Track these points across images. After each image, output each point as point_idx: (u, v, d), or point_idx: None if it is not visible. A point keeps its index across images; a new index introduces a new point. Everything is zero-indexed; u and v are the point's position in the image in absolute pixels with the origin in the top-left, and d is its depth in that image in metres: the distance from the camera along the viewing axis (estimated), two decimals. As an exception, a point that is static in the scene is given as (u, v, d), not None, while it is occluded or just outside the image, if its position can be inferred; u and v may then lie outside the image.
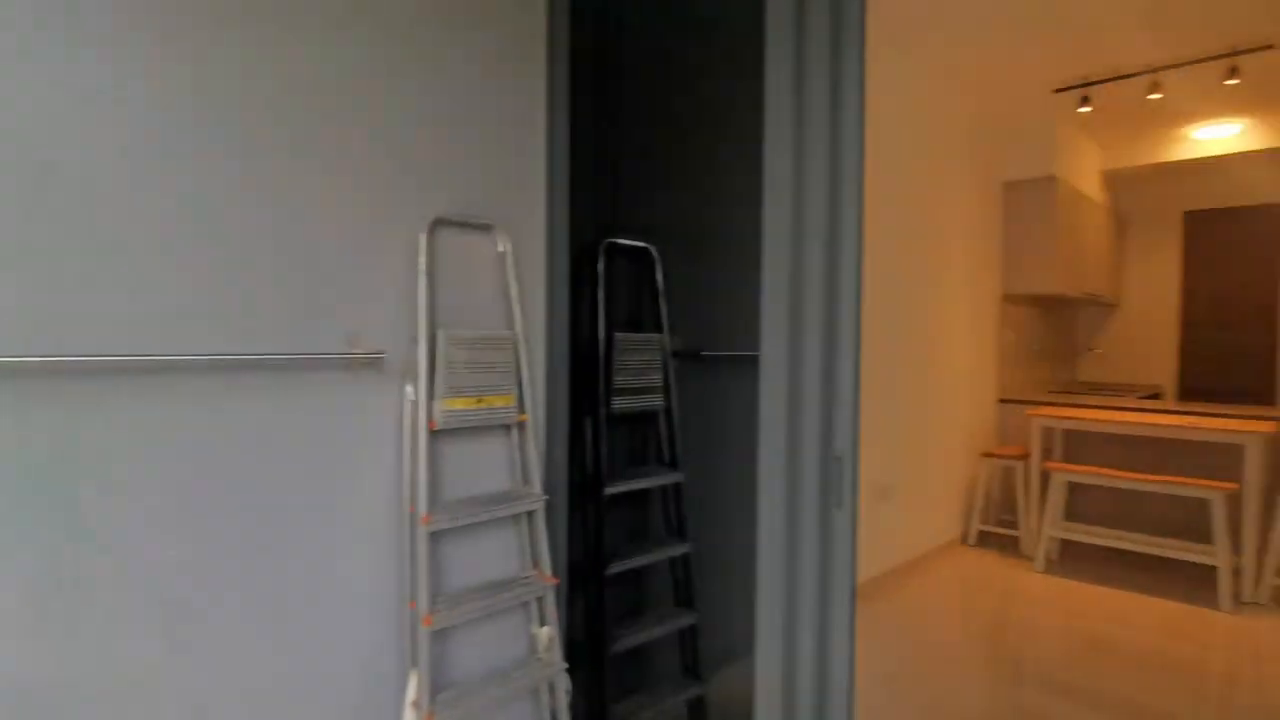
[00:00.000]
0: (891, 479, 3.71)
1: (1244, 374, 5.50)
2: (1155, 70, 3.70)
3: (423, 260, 1.65)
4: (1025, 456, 4.20)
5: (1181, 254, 5.76)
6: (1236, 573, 3.54)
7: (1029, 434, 4.16)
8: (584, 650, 2.06)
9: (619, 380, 2.07)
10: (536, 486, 1.84)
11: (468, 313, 1.78)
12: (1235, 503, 3.77)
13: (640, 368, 2.13)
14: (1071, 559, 4.07)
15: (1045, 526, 3.86)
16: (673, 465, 2.24)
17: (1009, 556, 4.14)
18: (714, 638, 2.51)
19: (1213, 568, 3.45)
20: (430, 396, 1.66)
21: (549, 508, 1.92)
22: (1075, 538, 3.82)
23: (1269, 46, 3.39)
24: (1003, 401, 4.73)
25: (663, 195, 2.30)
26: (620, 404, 2.08)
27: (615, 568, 2.03)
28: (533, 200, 1.91)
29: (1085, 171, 5.07)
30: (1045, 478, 4.06)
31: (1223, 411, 3.91)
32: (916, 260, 3.86)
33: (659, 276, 2.22)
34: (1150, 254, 5.89)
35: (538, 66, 1.91)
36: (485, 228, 1.81)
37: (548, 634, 1.83)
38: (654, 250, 2.22)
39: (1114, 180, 5.67)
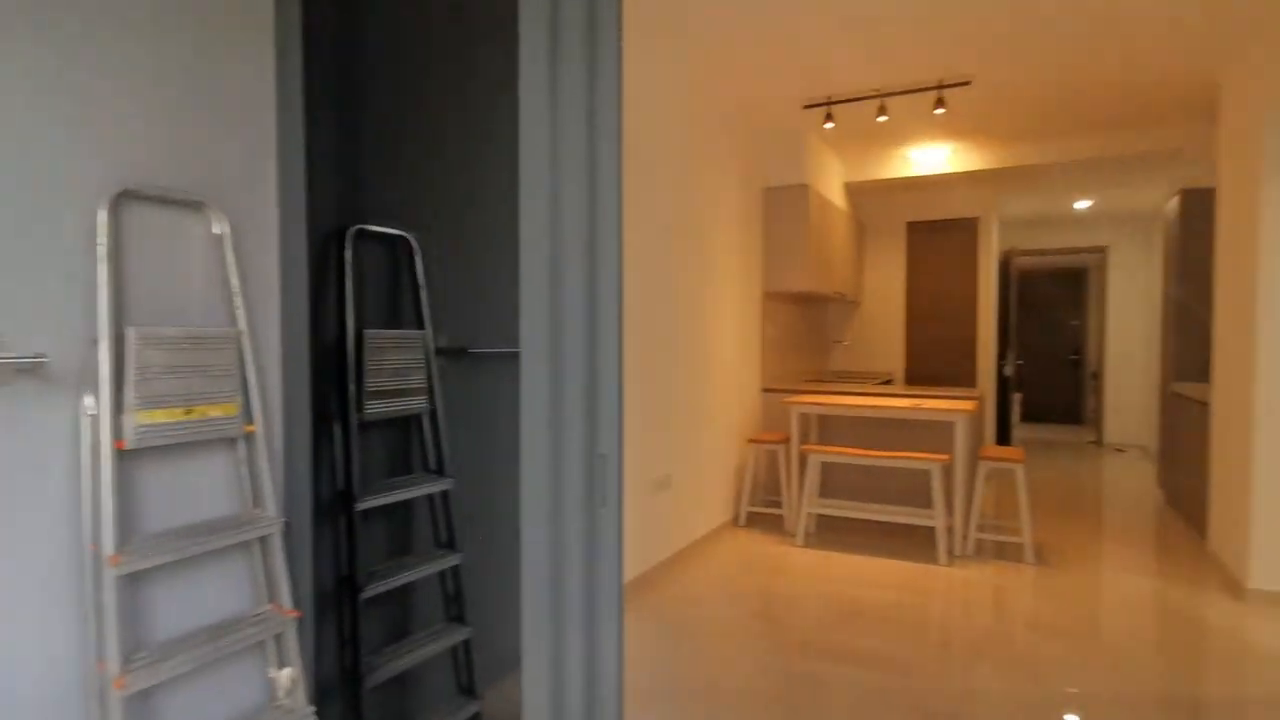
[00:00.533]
0: (669, 469, 3.84)
1: (953, 361, 6.49)
2: (882, 95, 4.20)
3: (103, 241, 1.34)
4: (786, 441, 4.57)
5: (905, 258, 6.65)
6: (950, 531, 4.13)
7: (789, 420, 4.53)
8: (338, 686, 1.84)
9: (373, 382, 1.87)
10: (270, 508, 1.60)
11: (173, 306, 1.49)
12: (950, 472, 4.40)
13: (399, 367, 1.95)
14: (829, 531, 4.51)
15: (804, 504, 4.22)
16: (439, 472, 2.09)
17: (774, 534, 4.48)
18: (492, 650, 2.39)
19: (933, 529, 4.00)
20: (117, 409, 1.36)
21: (289, 530, 1.68)
22: (828, 512, 4.23)
23: (967, 83, 3.99)
24: (766, 390, 5.12)
25: (423, 182, 2.13)
26: (375, 408, 1.88)
27: (373, 590, 1.83)
28: (259, 177, 1.66)
29: (831, 182, 5.66)
30: (803, 460, 4.45)
31: (937, 394, 4.56)
32: (689, 259, 4.03)
33: (419, 268, 2.05)
34: (883, 258, 6.74)
35: (264, 35, 1.66)
36: (195, 205, 1.53)
37: (289, 676, 1.60)
38: (413, 239, 2.05)
39: (854, 191, 6.39)
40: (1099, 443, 8.24)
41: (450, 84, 2.19)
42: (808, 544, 4.25)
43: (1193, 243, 4.98)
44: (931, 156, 5.62)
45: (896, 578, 3.70)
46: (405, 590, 2.07)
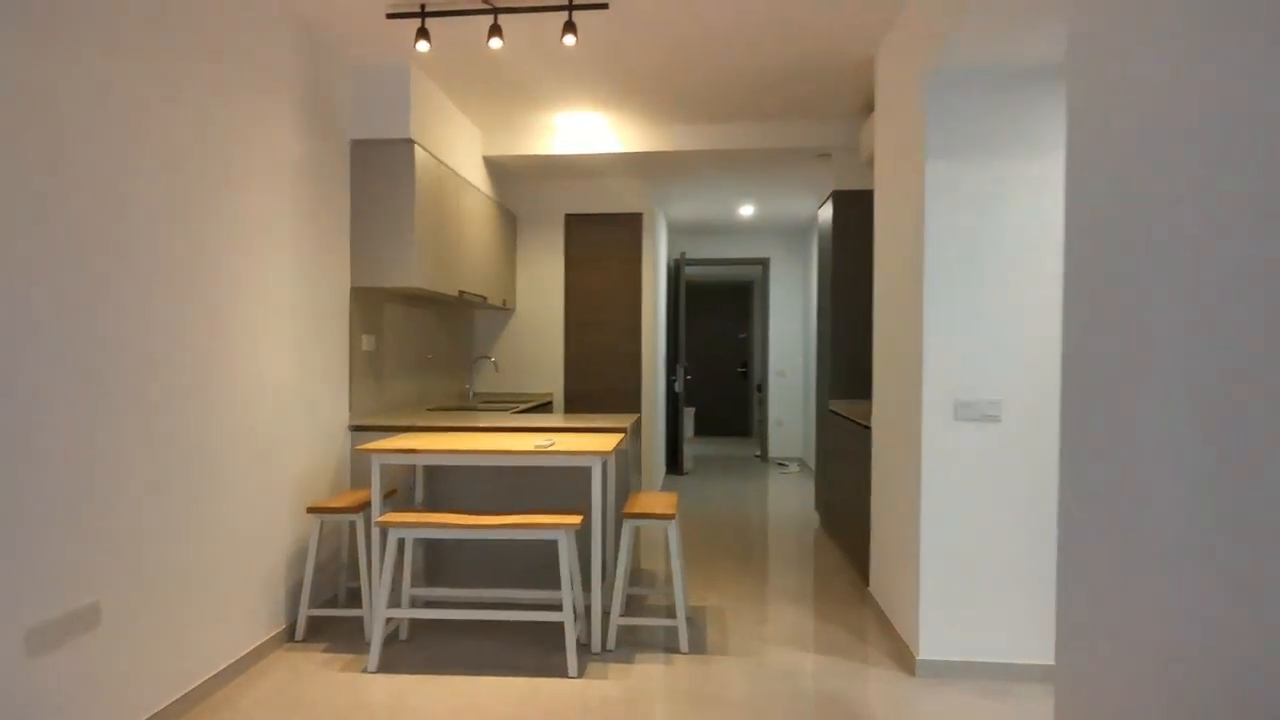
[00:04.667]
0: (119, 582, 2.13)
1: (618, 376, 5.60)
2: (495, 8, 2.98)
3: None
4: (364, 507, 3.10)
5: (564, 258, 5.63)
6: (588, 618, 3.03)
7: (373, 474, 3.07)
8: None
9: None
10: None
11: None
12: (587, 537, 3.32)
13: None
14: (430, 634, 3.12)
15: (378, 606, 2.78)
16: None
17: (348, 650, 2.97)
18: None
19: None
20: None
21: None
22: (411, 614, 2.85)
23: (604, 4, 2.93)
24: (358, 429, 3.60)
25: None
26: None
27: None
28: None
29: (462, 150, 4.35)
30: (383, 536, 3.02)
31: (578, 424, 3.47)
32: (197, 244, 2.38)
33: None
34: (539, 257, 5.64)
35: None
36: None
37: None
38: None
39: (500, 172, 5.18)
40: (764, 457, 8.15)
41: None
42: (386, 667, 2.82)
43: (845, 248, 4.61)
44: (583, 132, 4.62)
45: (506, 709, 2.44)
46: None
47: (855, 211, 4.57)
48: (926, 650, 2.70)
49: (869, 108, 4.22)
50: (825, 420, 4.88)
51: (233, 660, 2.72)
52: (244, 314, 2.78)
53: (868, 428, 3.60)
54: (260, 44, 2.87)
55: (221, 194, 2.65)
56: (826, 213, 4.91)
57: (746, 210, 6.81)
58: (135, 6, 2.24)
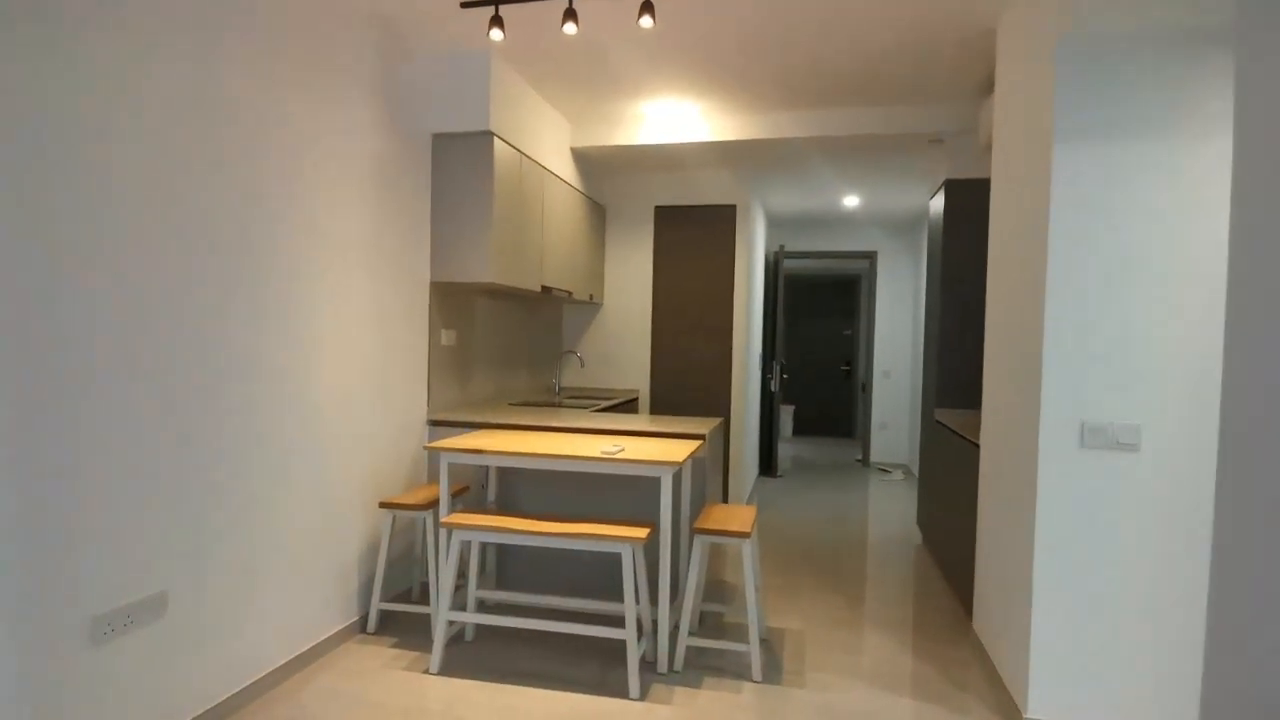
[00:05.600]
0: (187, 572, 2.18)
1: (707, 376, 5.39)
2: (569, -7, 2.83)
3: None
4: (433, 505, 3.07)
5: (653, 252, 5.46)
6: (654, 636, 2.86)
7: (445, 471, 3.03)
8: None
9: None
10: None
11: None
12: (656, 551, 3.16)
13: None
14: (490, 642, 3.05)
15: (441, 607, 2.73)
16: None
17: (414, 648, 2.95)
18: None
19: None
20: None
21: None
22: (472, 619, 2.78)
23: (682, -16, 2.73)
24: (435, 424, 3.59)
25: None
26: None
27: None
28: None
29: (548, 141, 4.26)
30: (449, 537, 2.97)
31: (654, 429, 3.29)
32: (282, 242, 2.40)
33: None
34: (628, 251, 5.49)
35: None
36: None
37: None
38: None
39: (587, 163, 5.07)
40: (865, 461, 7.70)
41: None
42: (447, 669, 2.77)
43: (958, 242, 4.18)
44: (673, 120, 4.42)
45: (555, 737, 2.32)
46: None
47: (970, 202, 4.13)
48: (1036, 708, 2.35)
49: (989, 86, 3.78)
50: (930, 429, 4.47)
51: (303, 650, 2.75)
52: (323, 309, 2.79)
53: (975, 444, 3.22)
54: (340, 40, 2.86)
55: (303, 190, 2.65)
56: (937, 203, 4.48)
57: (851, 201, 6.39)
58: (229, 6, 2.24)
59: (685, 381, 5.41)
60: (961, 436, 3.51)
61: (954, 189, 4.19)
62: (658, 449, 2.87)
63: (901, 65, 3.53)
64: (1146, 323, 2.24)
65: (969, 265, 4.13)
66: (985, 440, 3.01)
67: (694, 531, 2.80)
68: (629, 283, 5.49)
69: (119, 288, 1.99)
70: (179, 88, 2.15)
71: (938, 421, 4.13)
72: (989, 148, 3.83)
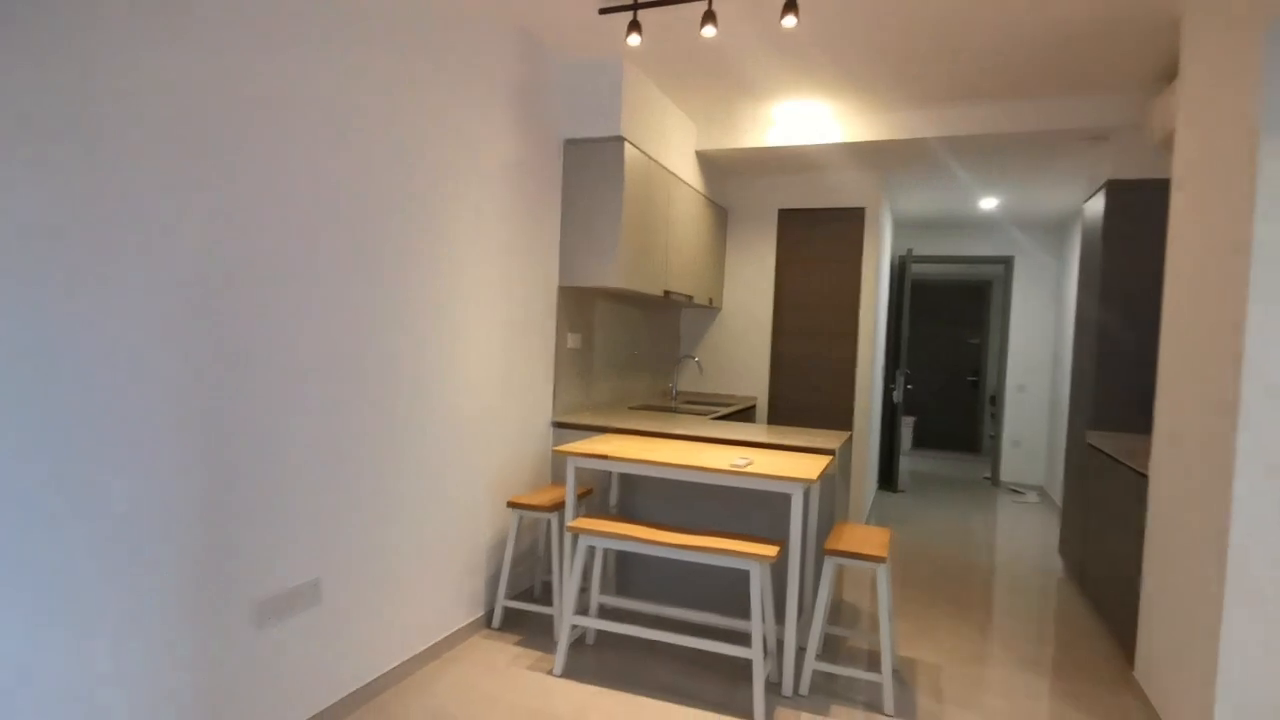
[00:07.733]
0: (339, 562, 2.31)
1: (829, 384, 5.20)
2: (709, -4, 2.78)
3: None
4: (558, 507, 3.11)
5: (776, 257, 5.32)
6: (779, 657, 2.77)
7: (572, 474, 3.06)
8: None
9: None
10: None
11: None
12: (782, 570, 3.06)
13: None
14: (611, 647, 3.06)
15: (565, 612, 2.76)
16: None
17: (537, 648, 3.00)
18: None
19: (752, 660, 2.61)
20: None
21: None
22: (595, 625, 2.79)
23: (827, -19, 2.62)
24: (559, 425, 3.64)
25: None
26: None
27: None
28: None
29: (674, 145, 4.24)
30: (574, 541, 3.00)
31: (782, 440, 3.19)
32: (425, 245, 2.52)
33: None
34: (749, 255, 5.39)
35: None
36: None
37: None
38: None
39: (711, 166, 5.01)
40: (994, 480, 7.21)
41: None
42: (570, 672, 2.79)
43: (1121, 249, 3.81)
44: (803, 121, 4.28)
45: (679, 755, 2.29)
46: None
47: (1138, 205, 3.76)
48: (1220, 777, 2.09)
49: (1164, 76, 3.41)
50: (1080, 451, 4.10)
51: (434, 641, 2.86)
52: (459, 312, 2.89)
53: (1142, 475, 2.91)
54: (479, 48, 2.95)
55: (443, 197, 2.75)
56: (1096, 206, 4.11)
57: (989, 203, 5.99)
58: (378, 17, 2.35)
59: (806, 389, 5.25)
60: (1123, 464, 3.19)
61: (1117, 190, 3.82)
62: (787, 464, 2.77)
63: (1063, 55, 3.25)
64: (1378, 348, 1.93)
65: (1134, 275, 3.76)
66: (1156, 472, 2.71)
67: (825, 552, 2.68)
68: (749, 287, 5.39)
69: (287, 293, 2.12)
70: (339, 98, 2.27)
71: (1091, 445, 3.78)
72: (1165, 145, 3.46)
